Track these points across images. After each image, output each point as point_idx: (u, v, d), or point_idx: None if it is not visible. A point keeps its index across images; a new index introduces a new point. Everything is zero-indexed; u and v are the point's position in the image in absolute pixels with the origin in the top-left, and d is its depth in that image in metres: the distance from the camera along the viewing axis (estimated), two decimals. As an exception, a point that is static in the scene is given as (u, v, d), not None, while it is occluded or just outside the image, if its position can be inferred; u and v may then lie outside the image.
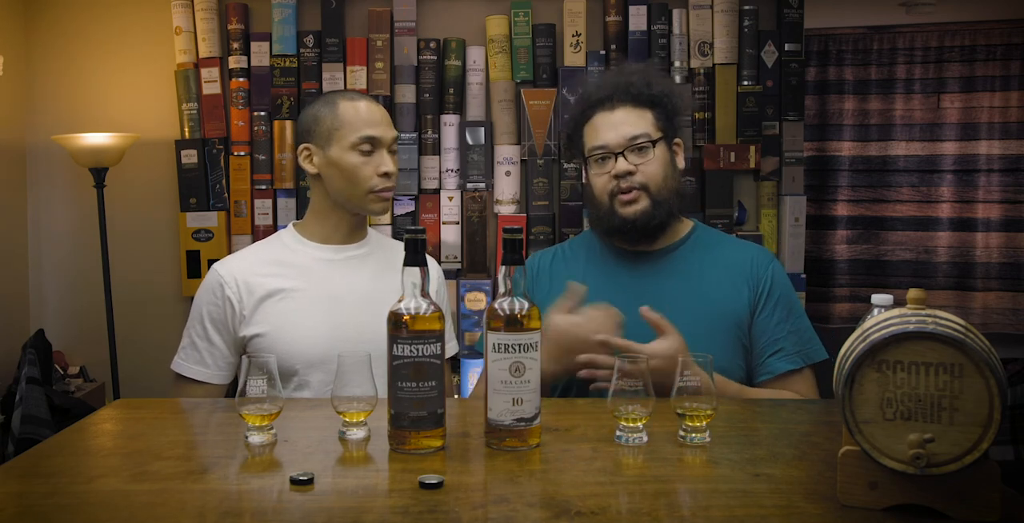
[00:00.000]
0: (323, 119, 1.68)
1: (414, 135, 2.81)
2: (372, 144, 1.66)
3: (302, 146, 1.71)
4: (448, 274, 1.90)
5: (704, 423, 1.20)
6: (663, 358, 1.40)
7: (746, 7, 2.81)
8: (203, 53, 2.82)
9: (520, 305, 1.17)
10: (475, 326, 2.73)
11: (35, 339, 2.59)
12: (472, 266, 2.82)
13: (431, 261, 1.84)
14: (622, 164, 1.63)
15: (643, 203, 1.64)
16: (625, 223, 1.65)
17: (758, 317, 1.64)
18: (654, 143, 1.65)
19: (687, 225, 1.76)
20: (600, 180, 1.67)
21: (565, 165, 2.78)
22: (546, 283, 1.75)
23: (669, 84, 1.74)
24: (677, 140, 1.73)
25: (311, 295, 1.67)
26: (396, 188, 1.72)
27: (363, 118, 1.66)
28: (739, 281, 1.67)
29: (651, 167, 1.64)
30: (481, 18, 2.82)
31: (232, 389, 1.73)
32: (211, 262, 2.00)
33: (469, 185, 2.82)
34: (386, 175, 1.67)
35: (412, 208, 2.83)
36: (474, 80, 2.82)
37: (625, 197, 1.64)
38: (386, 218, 2.79)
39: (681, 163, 1.73)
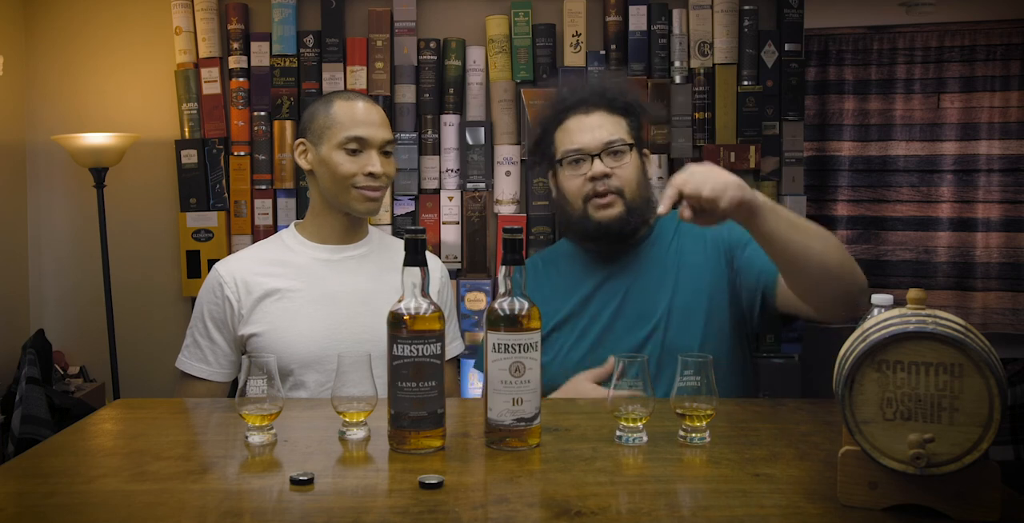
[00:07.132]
0: (318, 117, 1.69)
1: (414, 135, 2.80)
2: (360, 144, 1.66)
3: (298, 141, 1.73)
4: (448, 274, 1.89)
5: (704, 423, 1.20)
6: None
7: (746, 7, 2.81)
8: (203, 53, 2.82)
9: (520, 305, 1.17)
10: (475, 326, 2.72)
11: (35, 339, 2.59)
12: (472, 266, 2.82)
13: (435, 260, 1.85)
14: (598, 166, 1.63)
15: (618, 208, 1.64)
16: (599, 228, 1.65)
17: (741, 259, 1.63)
18: (630, 148, 1.66)
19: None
20: (574, 183, 1.67)
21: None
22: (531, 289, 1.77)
23: (640, 95, 1.77)
24: (646, 150, 1.75)
25: (307, 295, 1.68)
26: (385, 189, 1.70)
27: (354, 118, 1.67)
28: (707, 248, 1.68)
29: (627, 171, 1.65)
30: (481, 18, 2.82)
31: (233, 389, 1.73)
32: (211, 262, 2.01)
33: (469, 185, 2.81)
34: (371, 175, 1.66)
35: (412, 208, 2.82)
36: (474, 80, 2.82)
37: (600, 201, 1.64)
38: (386, 218, 2.79)
39: (652, 172, 1.75)
